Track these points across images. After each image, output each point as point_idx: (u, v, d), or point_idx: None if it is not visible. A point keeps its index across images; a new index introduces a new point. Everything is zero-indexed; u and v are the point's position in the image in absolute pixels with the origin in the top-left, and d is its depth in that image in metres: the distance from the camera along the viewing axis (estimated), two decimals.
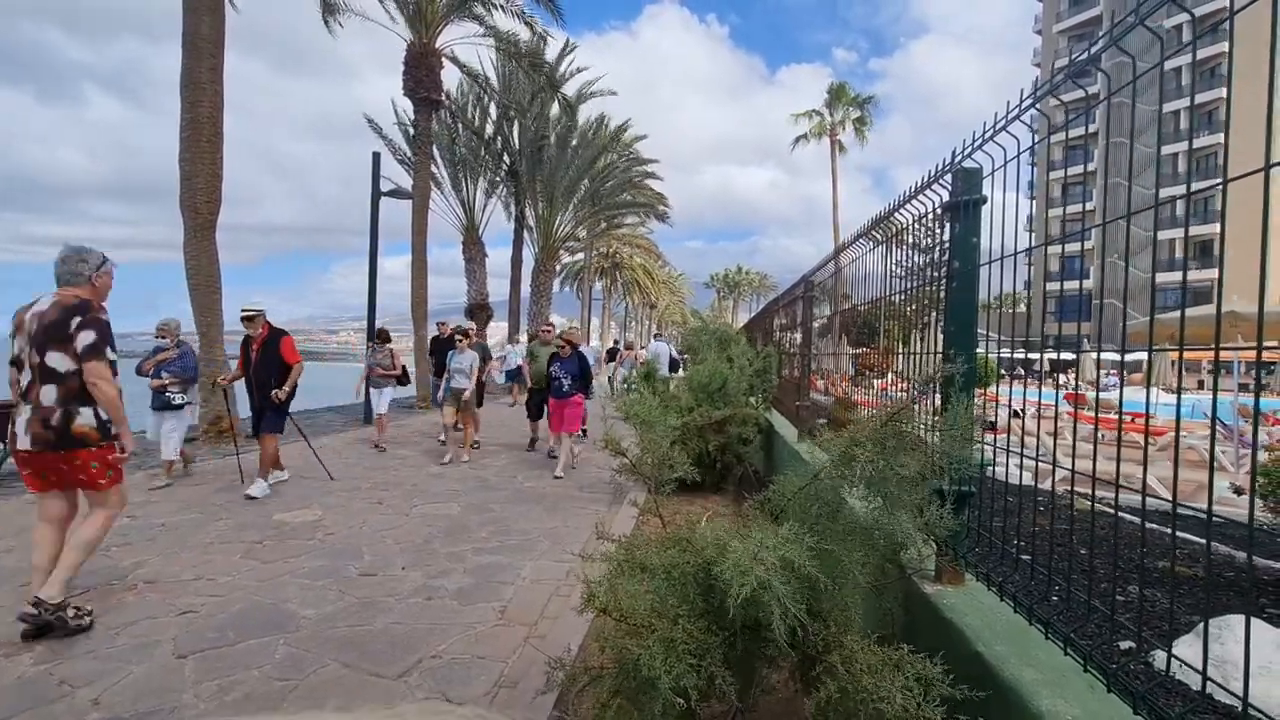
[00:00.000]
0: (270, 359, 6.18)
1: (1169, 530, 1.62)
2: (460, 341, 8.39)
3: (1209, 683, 1.35)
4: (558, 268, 28.57)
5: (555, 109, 20.78)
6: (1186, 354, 1.52)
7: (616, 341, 22.62)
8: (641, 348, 19.62)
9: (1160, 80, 1.62)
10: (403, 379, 9.33)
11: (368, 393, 9.92)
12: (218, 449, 8.45)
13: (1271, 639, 1.81)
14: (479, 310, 20.79)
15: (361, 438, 9.80)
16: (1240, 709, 1.25)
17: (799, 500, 2.07)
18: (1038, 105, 1.92)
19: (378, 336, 9.57)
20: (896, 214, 2.90)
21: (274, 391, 6.10)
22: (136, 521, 5.12)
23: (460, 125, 20.78)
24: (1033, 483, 2.80)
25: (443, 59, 15.18)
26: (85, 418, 3.26)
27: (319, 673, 2.92)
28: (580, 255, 32.94)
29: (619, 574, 1.94)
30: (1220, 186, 1.31)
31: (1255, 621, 1.45)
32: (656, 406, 2.96)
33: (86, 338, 3.23)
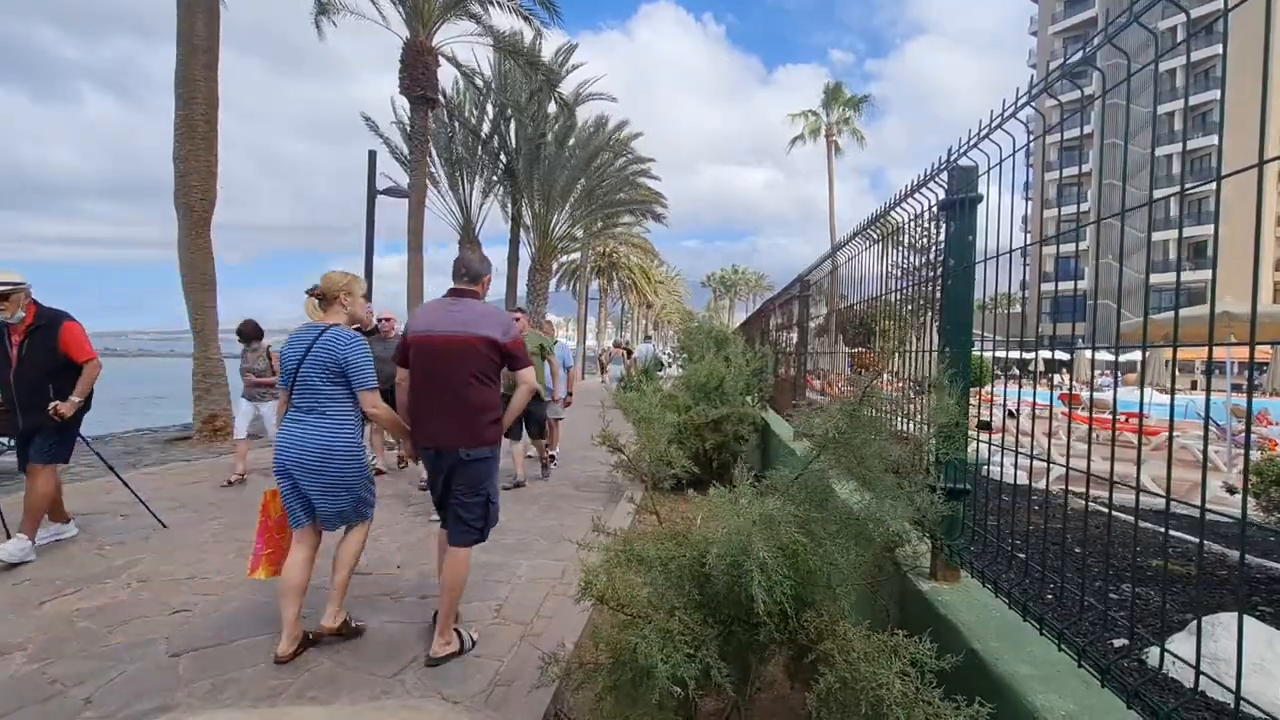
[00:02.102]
0: (43, 356, 4.23)
1: (1162, 529, 1.63)
2: (386, 324, 6.57)
3: (1202, 677, 1.35)
4: (554, 267, 28.55)
5: (552, 108, 20.78)
6: (1181, 354, 1.53)
7: (619, 344, 22.76)
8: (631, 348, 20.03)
9: (1155, 80, 1.62)
10: None
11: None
12: (212, 448, 8.42)
13: (1264, 637, 1.82)
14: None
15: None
16: (1233, 705, 1.26)
17: (788, 491, 2.08)
18: (1033, 104, 1.93)
19: (243, 333, 6.70)
20: (893, 212, 2.90)
21: (54, 404, 4.18)
22: (129, 520, 5.10)
23: (457, 124, 20.76)
24: (1027, 481, 2.81)
25: (439, 57, 15.17)
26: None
27: (314, 671, 2.91)
28: (577, 255, 32.92)
29: (615, 564, 1.95)
30: (1215, 183, 1.31)
31: (1248, 619, 1.46)
32: (656, 404, 2.96)
33: None
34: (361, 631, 3.28)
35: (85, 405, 4.46)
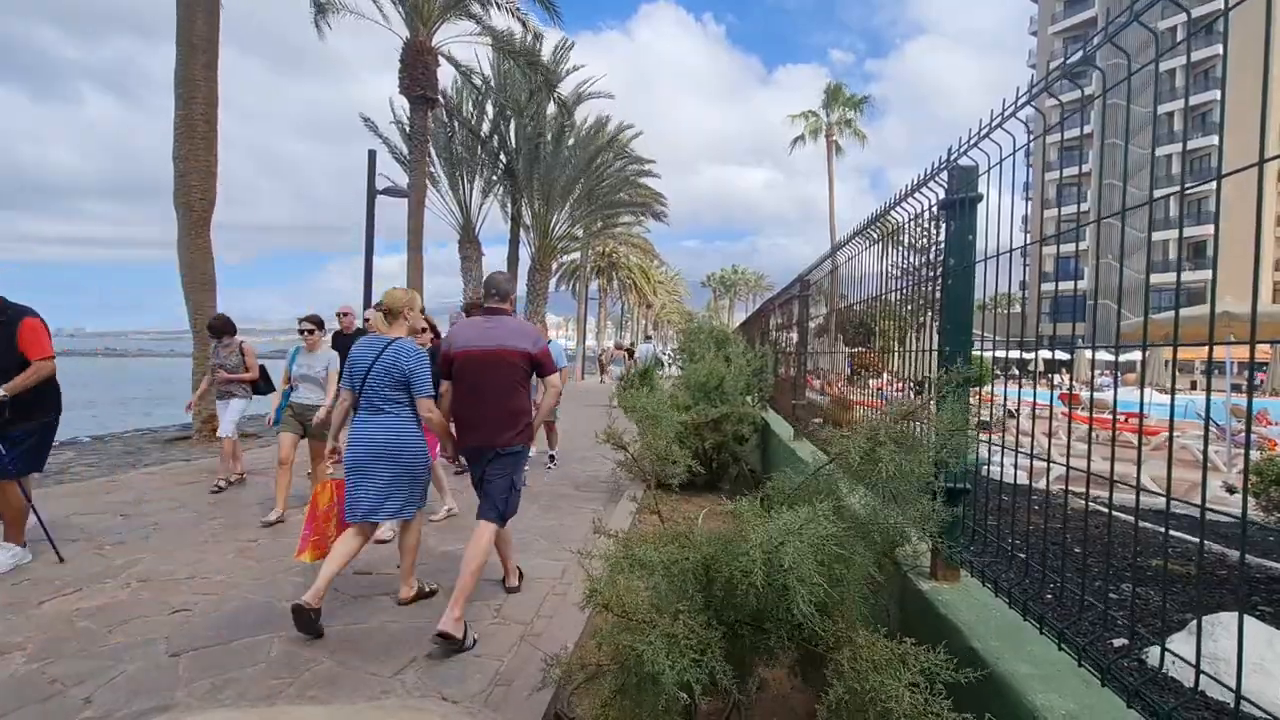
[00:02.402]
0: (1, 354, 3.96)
1: (1162, 529, 1.63)
2: (309, 336, 5.48)
3: (1202, 677, 1.35)
4: (554, 267, 28.55)
5: (552, 107, 20.78)
6: (1181, 354, 1.53)
7: (621, 345, 22.89)
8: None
9: (1156, 79, 1.62)
10: (260, 385, 6.47)
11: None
12: (211, 448, 8.42)
13: (1264, 636, 1.82)
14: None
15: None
16: (1233, 704, 1.26)
17: (797, 497, 2.08)
18: (1033, 103, 1.92)
19: (213, 328, 6.41)
20: (893, 212, 2.90)
21: None
22: (129, 520, 5.10)
23: (457, 124, 20.75)
24: (1027, 481, 2.82)
25: (439, 57, 15.17)
26: None
27: (314, 670, 2.91)
28: (576, 254, 32.92)
29: (618, 570, 1.94)
30: (1215, 182, 1.31)
31: (1248, 619, 1.46)
32: (662, 402, 2.96)
33: None
34: (435, 592, 3.80)
35: (57, 410, 4.29)
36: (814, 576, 1.62)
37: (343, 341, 6.61)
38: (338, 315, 6.88)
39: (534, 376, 3.60)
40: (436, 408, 3.48)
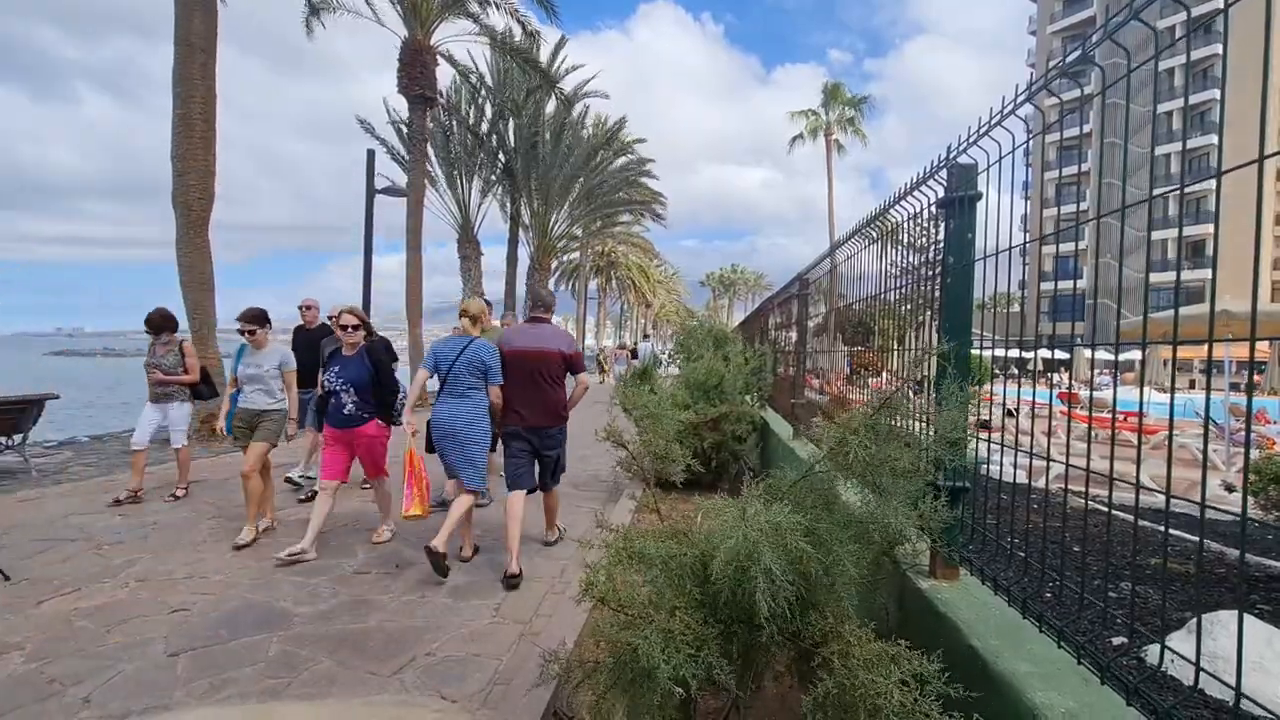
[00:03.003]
0: None
1: (1162, 527, 1.63)
2: (251, 337, 4.89)
3: (1201, 674, 1.35)
4: (553, 266, 28.54)
5: (551, 106, 20.77)
6: (1181, 353, 1.53)
7: (624, 346, 22.97)
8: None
9: (1155, 77, 1.62)
10: (200, 389, 5.97)
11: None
12: (210, 448, 8.41)
13: (1263, 635, 1.82)
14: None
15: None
16: (1233, 702, 1.26)
17: (794, 493, 2.07)
18: (1033, 102, 1.92)
19: (151, 323, 5.75)
20: (892, 210, 2.90)
21: None
22: (128, 520, 5.09)
23: (455, 123, 20.74)
24: (1026, 480, 2.82)
25: (437, 56, 15.15)
26: None
27: (312, 670, 2.91)
28: (576, 254, 32.91)
29: (616, 562, 1.94)
30: (1215, 180, 1.31)
31: (1247, 617, 1.46)
32: (663, 400, 2.97)
33: None
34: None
35: None
36: (772, 566, 1.61)
37: (304, 337, 6.24)
38: (300, 308, 6.44)
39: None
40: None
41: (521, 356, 4.33)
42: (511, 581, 3.96)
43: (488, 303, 6.38)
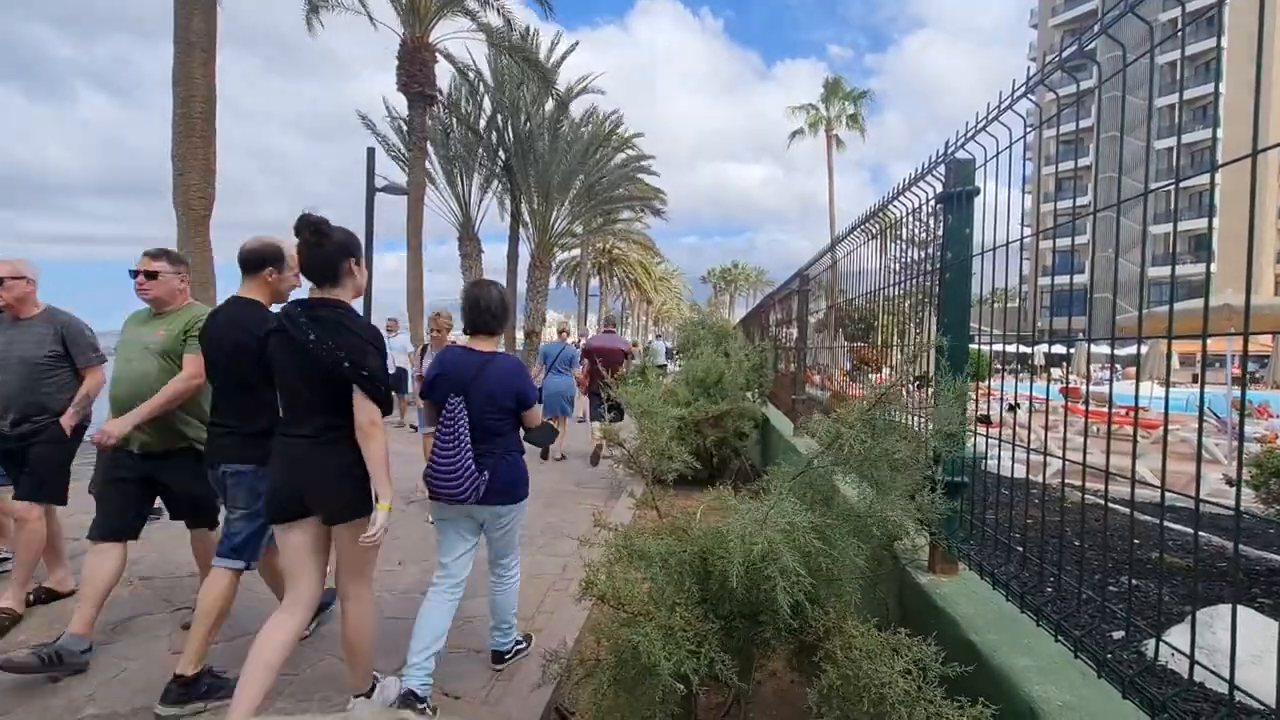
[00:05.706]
0: None
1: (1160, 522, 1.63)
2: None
3: (1198, 667, 1.36)
4: (554, 263, 28.53)
5: (550, 103, 20.73)
6: (1182, 348, 1.53)
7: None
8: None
9: (1152, 70, 1.62)
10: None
11: None
12: None
13: (1262, 629, 1.83)
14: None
15: None
16: (1228, 695, 1.26)
17: (793, 489, 2.08)
18: (1031, 96, 1.92)
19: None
20: (891, 205, 2.90)
21: None
22: None
23: (454, 120, 20.72)
24: (1025, 475, 2.83)
25: (436, 54, 15.14)
26: None
27: (315, 667, 2.92)
28: (576, 251, 32.88)
29: (616, 560, 1.95)
30: (1210, 174, 1.31)
31: (1246, 611, 1.47)
32: (658, 397, 2.97)
33: None
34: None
35: None
36: (793, 566, 1.63)
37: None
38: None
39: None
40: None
41: (605, 352, 7.64)
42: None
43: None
